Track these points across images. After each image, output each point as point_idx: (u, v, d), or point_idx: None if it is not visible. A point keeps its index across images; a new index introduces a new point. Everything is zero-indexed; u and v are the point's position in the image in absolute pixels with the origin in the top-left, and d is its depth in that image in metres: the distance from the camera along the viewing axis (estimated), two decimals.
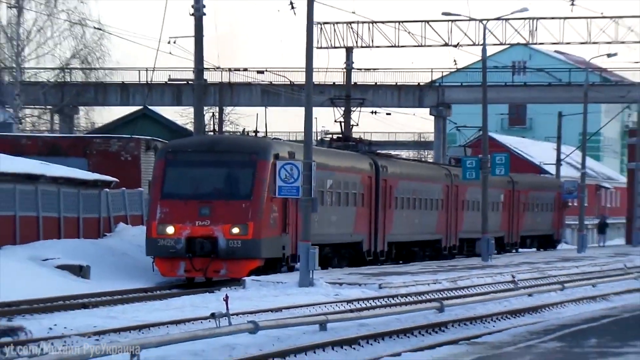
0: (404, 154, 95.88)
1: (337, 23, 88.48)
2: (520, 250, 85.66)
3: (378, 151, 69.48)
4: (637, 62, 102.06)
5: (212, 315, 31.01)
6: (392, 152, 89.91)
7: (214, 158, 45.05)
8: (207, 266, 42.79)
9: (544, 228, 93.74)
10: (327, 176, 52.72)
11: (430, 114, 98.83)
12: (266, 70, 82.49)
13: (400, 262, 64.22)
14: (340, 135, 67.43)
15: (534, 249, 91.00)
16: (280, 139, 60.53)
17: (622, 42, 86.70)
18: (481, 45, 76.74)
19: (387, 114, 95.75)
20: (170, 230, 42.48)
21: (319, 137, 70.26)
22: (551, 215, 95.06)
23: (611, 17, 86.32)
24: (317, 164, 49.94)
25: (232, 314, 31.65)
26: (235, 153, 45.71)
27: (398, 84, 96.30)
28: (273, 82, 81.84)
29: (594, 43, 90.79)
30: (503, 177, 77.89)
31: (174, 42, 60.71)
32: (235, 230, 42.28)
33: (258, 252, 43.65)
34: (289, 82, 75.64)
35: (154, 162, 48.75)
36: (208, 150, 46.21)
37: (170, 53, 61.62)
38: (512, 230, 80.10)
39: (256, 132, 59.77)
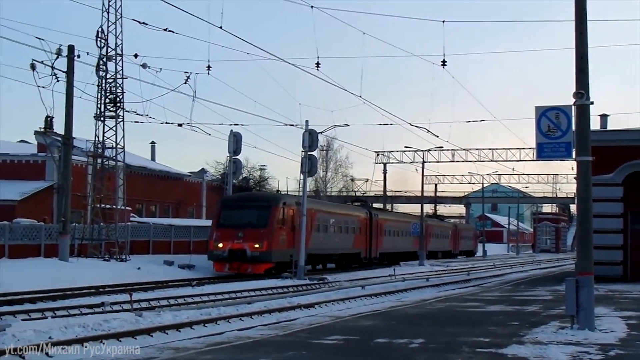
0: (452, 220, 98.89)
1: (429, 175, 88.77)
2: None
3: (373, 205, 58.93)
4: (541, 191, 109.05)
5: (389, 276, 36.34)
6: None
7: (247, 205, 37.18)
8: (240, 267, 35.16)
9: (445, 247, 70.70)
10: (332, 217, 43.64)
11: (463, 206, 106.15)
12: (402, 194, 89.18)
13: (385, 262, 51.20)
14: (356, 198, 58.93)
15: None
16: (293, 195, 49.53)
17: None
18: (480, 183, 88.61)
19: (449, 205, 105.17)
20: (220, 245, 35.44)
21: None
22: (448, 240, 72.43)
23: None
24: (330, 212, 44.14)
25: (396, 275, 36.43)
26: (260, 201, 37.78)
27: (451, 196, 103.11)
28: (410, 196, 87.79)
29: (521, 183, 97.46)
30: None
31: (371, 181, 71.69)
32: (256, 245, 35.15)
33: (270, 258, 35.52)
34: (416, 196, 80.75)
35: (216, 206, 40.63)
36: (244, 200, 38.41)
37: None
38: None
39: (278, 190, 58.86)
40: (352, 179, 71.09)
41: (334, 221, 43.47)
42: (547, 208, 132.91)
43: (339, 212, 45.44)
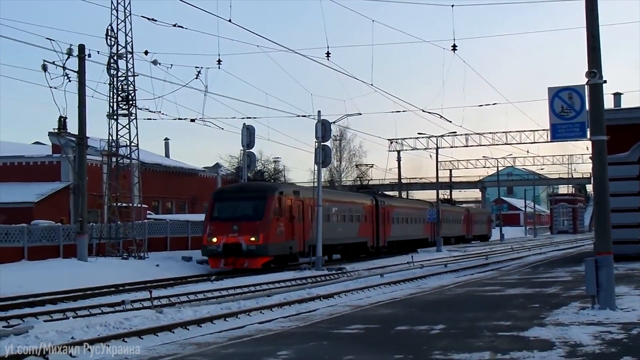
0: (465, 205, 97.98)
1: (444, 161, 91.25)
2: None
3: (380, 192, 56.08)
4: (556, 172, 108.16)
5: (407, 263, 36.28)
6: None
7: (241, 196, 34.41)
8: (236, 261, 32.73)
9: (458, 232, 68.67)
10: (334, 205, 41.20)
11: (479, 190, 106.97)
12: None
13: (394, 250, 49.90)
14: (361, 185, 57.73)
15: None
16: (290, 184, 46.04)
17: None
18: (495, 166, 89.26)
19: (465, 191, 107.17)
20: (215, 239, 32.91)
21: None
22: (460, 225, 70.23)
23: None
24: (332, 200, 41.33)
25: (414, 262, 36.39)
26: (255, 192, 34.75)
27: (466, 181, 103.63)
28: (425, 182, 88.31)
29: (536, 165, 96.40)
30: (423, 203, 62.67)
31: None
32: (252, 238, 32.53)
33: (266, 252, 33.06)
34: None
35: (209, 198, 36.76)
36: (238, 191, 35.45)
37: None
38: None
39: (274, 180, 55.35)
40: (357, 166, 70.41)
41: (336, 210, 41.28)
42: (563, 189, 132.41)
43: (341, 200, 43.47)
